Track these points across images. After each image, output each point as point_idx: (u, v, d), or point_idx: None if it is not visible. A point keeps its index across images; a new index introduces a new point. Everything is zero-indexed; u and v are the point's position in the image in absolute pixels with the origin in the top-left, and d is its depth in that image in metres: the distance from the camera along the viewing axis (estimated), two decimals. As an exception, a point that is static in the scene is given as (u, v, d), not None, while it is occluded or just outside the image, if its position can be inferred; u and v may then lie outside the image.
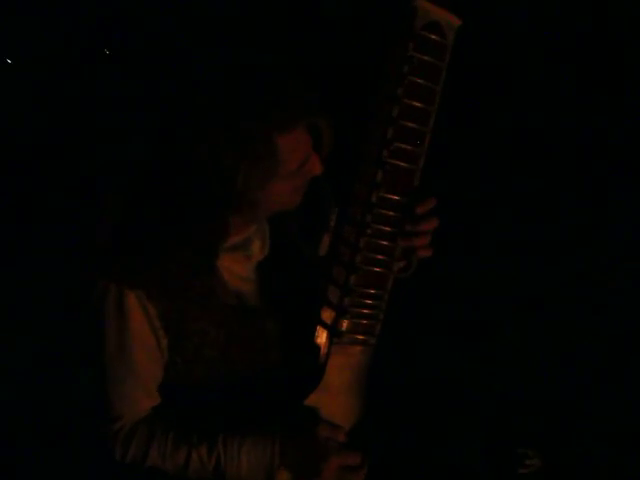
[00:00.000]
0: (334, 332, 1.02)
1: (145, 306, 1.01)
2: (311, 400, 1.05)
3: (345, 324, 1.02)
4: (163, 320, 1.02)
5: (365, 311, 1.03)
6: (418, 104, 0.96)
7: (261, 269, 1.13)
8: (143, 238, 0.99)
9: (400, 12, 0.94)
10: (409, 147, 0.97)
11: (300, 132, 0.96)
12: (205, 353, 1.06)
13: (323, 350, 1.04)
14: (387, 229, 1.00)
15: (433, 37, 0.94)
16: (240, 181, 0.92)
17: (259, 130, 0.90)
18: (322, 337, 1.04)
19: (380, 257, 1.01)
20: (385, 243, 1.01)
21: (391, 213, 1.00)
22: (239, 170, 0.91)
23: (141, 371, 1.06)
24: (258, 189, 0.95)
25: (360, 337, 1.04)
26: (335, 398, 1.06)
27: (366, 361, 1.08)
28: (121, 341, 1.03)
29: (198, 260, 1.01)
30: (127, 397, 1.08)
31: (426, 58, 0.95)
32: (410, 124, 0.96)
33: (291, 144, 0.94)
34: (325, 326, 1.03)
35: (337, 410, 1.07)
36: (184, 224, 0.97)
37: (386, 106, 0.95)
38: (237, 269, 1.09)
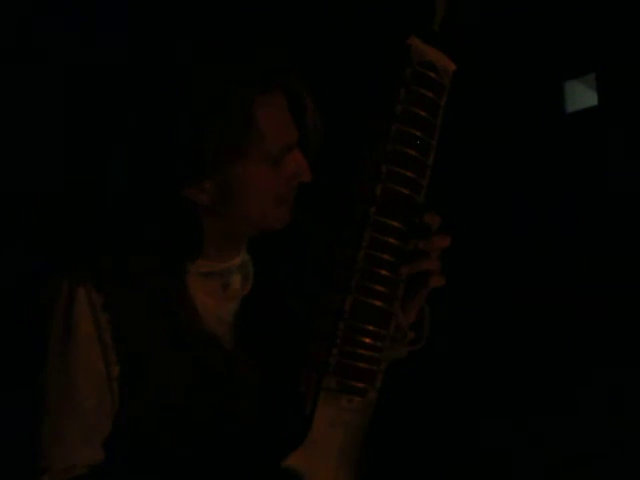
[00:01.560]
0: (322, 368, 0.83)
1: (96, 312, 0.85)
2: (293, 461, 0.81)
3: (336, 360, 0.83)
4: (116, 339, 0.85)
5: (362, 352, 0.86)
6: (417, 132, 0.93)
7: (241, 316, 0.97)
8: (100, 234, 0.87)
9: (394, 52, 0.97)
10: (409, 174, 0.92)
11: (278, 99, 0.89)
12: (164, 397, 0.86)
13: (309, 397, 0.83)
14: (386, 257, 0.89)
15: (429, 74, 0.96)
16: (209, 146, 0.82)
17: (233, 89, 0.83)
18: (308, 381, 0.84)
19: (380, 289, 0.88)
20: (385, 273, 0.88)
21: (391, 240, 0.89)
22: (208, 130, 0.82)
23: (83, 406, 0.86)
24: (230, 162, 0.85)
25: (356, 384, 0.85)
26: (323, 463, 0.82)
27: (364, 423, 0.86)
28: (64, 356, 0.85)
29: (163, 263, 0.88)
30: (61, 440, 0.85)
31: (422, 91, 0.95)
32: (409, 151, 0.93)
33: (269, 112, 0.87)
34: (312, 363, 0.84)
35: (322, 478, 0.82)
36: (144, 214, 0.86)
37: (382, 131, 0.92)
38: (212, 305, 0.94)
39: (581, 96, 2.28)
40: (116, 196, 0.90)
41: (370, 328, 0.87)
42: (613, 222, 2.10)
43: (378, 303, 0.88)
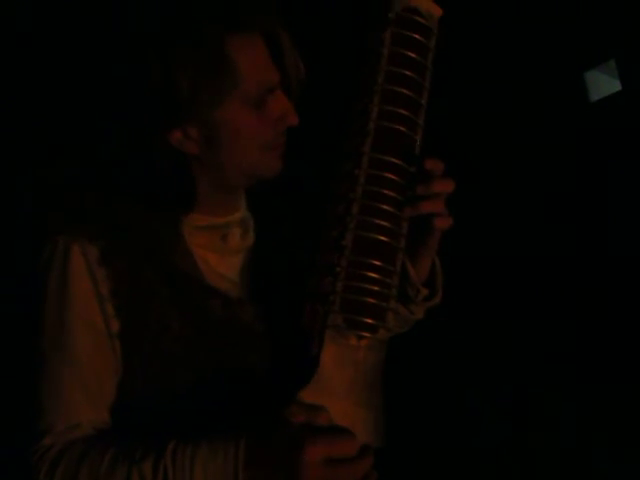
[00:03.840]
0: (327, 305, 0.78)
1: (91, 267, 0.84)
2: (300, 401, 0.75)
3: (341, 296, 0.79)
4: (113, 293, 0.84)
5: (369, 287, 0.81)
6: (406, 72, 0.92)
7: (243, 270, 0.95)
8: (93, 184, 0.87)
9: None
10: (402, 111, 0.90)
11: (254, 39, 0.87)
12: (167, 349, 0.84)
13: (315, 336, 0.79)
14: (386, 192, 0.86)
15: (415, 18, 0.95)
16: (185, 87, 0.81)
17: (206, 28, 0.82)
18: (313, 319, 0.80)
19: (383, 223, 0.84)
20: (387, 208, 0.85)
21: (390, 176, 0.87)
22: (184, 75, 0.81)
23: (83, 364, 0.83)
24: (210, 106, 0.84)
25: (365, 320, 0.80)
26: (334, 404, 0.76)
27: (376, 361, 0.81)
28: (62, 314, 0.83)
29: (158, 215, 0.87)
30: (62, 399, 0.82)
31: (408, 33, 0.94)
32: (400, 89, 0.91)
33: (245, 51, 0.85)
34: (316, 301, 0.80)
35: (338, 421, 0.76)
36: (134, 165, 0.86)
37: (370, 71, 0.91)
38: (213, 260, 0.91)
39: (604, 84, 2.24)
40: (104, 147, 0.90)
41: (376, 263, 0.83)
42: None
43: (382, 238, 0.84)
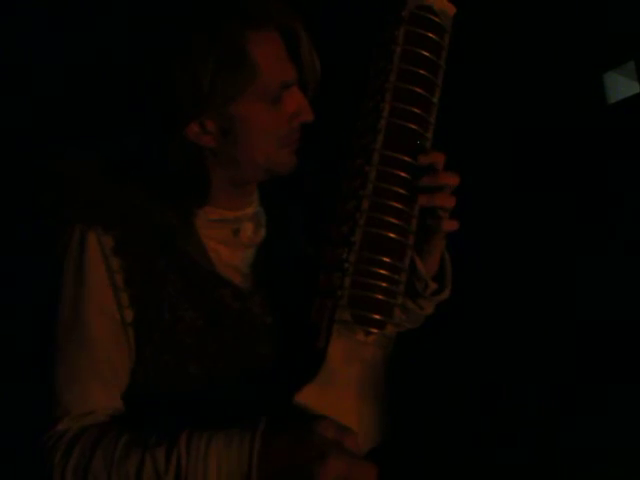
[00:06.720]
0: (335, 300, 0.79)
1: (107, 257, 0.85)
2: (307, 395, 0.76)
3: (349, 291, 0.80)
4: (128, 282, 0.85)
5: (377, 283, 0.82)
6: (419, 70, 0.92)
7: (255, 264, 0.96)
8: (109, 174, 0.88)
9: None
10: (414, 109, 0.90)
11: (273, 36, 0.88)
12: (178, 338, 0.85)
13: (323, 330, 0.79)
14: (396, 189, 0.86)
15: (427, 15, 0.95)
16: (205, 81, 0.82)
17: (226, 24, 0.83)
18: (321, 314, 0.80)
19: (392, 220, 0.85)
20: (397, 205, 0.85)
21: (400, 173, 0.87)
22: (205, 69, 0.82)
23: (98, 351, 0.84)
24: (228, 100, 0.85)
25: (372, 316, 0.80)
26: (339, 398, 0.77)
27: (383, 356, 0.81)
28: (77, 302, 0.85)
29: (172, 207, 0.88)
30: (76, 385, 0.83)
31: (421, 31, 0.94)
32: (413, 87, 0.91)
33: (263, 47, 0.86)
34: (324, 296, 0.81)
35: (344, 416, 0.77)
36: (151, 157, 0.86)
37: (382, 69, 0.91)
38: (225, 253, 0.93)
39: (622, 86, 2.22)
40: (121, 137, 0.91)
41: (384, 259, 0.84)
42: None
43: (391, 235, 0.85)
